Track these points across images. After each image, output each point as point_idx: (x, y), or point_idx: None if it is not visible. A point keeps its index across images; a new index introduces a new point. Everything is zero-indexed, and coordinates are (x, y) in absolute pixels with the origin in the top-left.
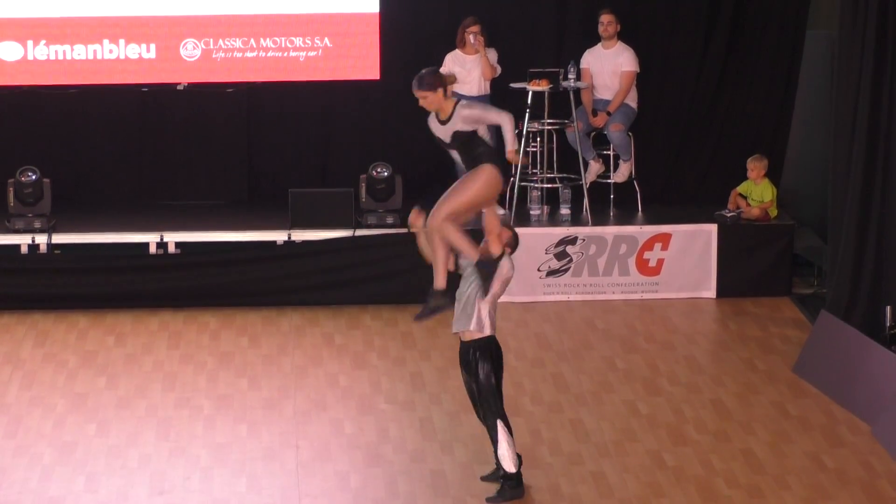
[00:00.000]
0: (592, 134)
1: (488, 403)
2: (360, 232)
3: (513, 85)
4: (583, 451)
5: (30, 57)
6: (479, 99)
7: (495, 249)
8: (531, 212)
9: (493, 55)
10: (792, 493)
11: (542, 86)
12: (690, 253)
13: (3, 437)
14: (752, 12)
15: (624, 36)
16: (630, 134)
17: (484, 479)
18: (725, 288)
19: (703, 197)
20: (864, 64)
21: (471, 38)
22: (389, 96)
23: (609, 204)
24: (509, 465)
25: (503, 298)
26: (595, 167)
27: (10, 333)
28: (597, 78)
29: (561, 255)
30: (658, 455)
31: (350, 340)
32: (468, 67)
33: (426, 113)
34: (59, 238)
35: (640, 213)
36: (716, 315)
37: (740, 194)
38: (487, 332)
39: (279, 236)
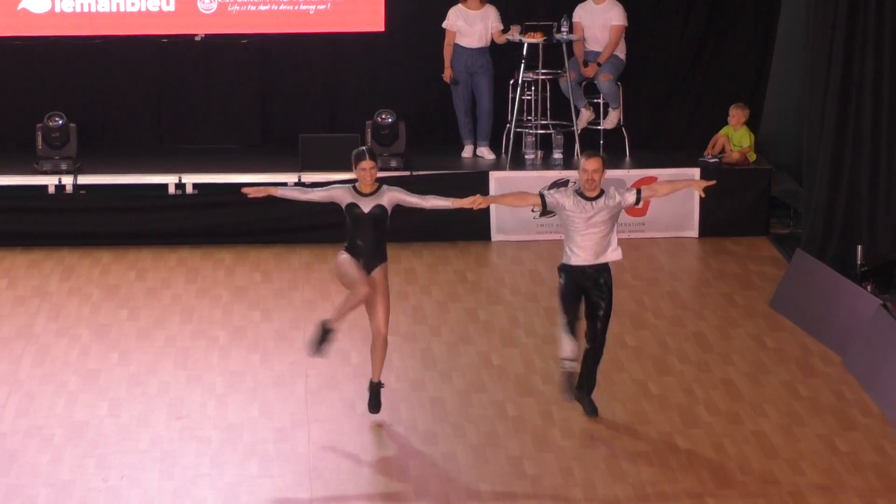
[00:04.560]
0: (584, 83)
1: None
2: None
3: (510, 37)
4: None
5: (57, 10)
6: (479, 51)
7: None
8: (526, 156)
9: (493, 13)
10: (768, 420)
11: (537, 38)
12: (674, 195)
13: (32, 365)
14: None
15: None
16: (619, 83)
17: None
18: (707, 228)
19: (687, 143)
20: (838, 17)
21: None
22: (394, 47)
23: (599, 149)
24: None
25: (499, 238)
26: (586, 114)
27: (38, 268)
28: (588, 31)
29: None
30: (643, 384)
31: None
32: (470, 21)
33: (427, 62)
34: (84, 179)
35: (627, 157)
36: (698, 253)
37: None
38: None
39: (290, 178)
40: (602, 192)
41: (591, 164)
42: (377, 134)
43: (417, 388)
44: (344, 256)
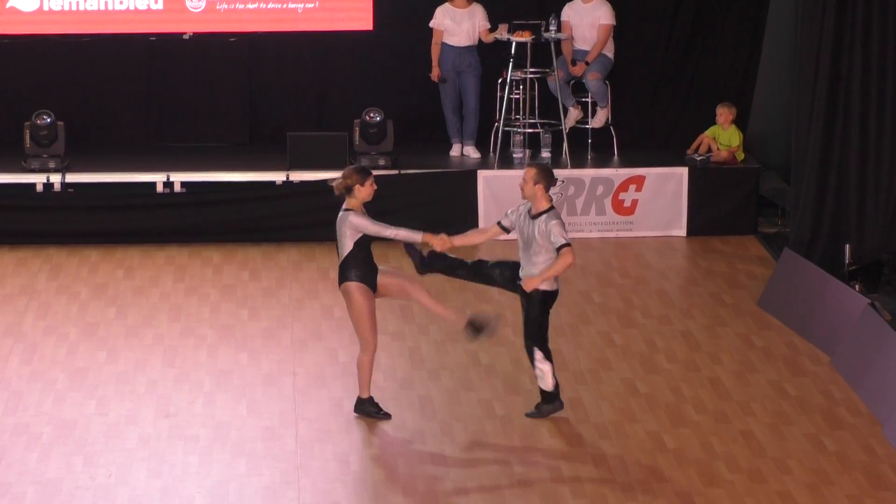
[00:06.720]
0: (572, 82)
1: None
2: None
3: (498, 36)
4: (561, 378)
5: (45, 8)
6: (467, 49)
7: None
8: (514, 155)
9: (480, 11)
10: (756, 419)
11: (525, 37)
12: (663, 194)
13: (20, 363)
14: None
15: None
16: (607, 82)
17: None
18: (695, 227)
19: (675, 142)
20: (826, 17)
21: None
22: (382, 46)
23: (587, 148)
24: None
25: None
26: (574, 113)
27: (26, 266)
28: (576, 30)
29: None
30: (631, 383)
31: None
32: (458, 20)
33: (415, 61)
34: (72, 177)
35: (615, 156)
36: (686, 252)
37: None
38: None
39: (278, 177)
40: (545, 214)
41: (524, 172)
42: (365, 132)
43: (405, 386)
44: (366, 296)
